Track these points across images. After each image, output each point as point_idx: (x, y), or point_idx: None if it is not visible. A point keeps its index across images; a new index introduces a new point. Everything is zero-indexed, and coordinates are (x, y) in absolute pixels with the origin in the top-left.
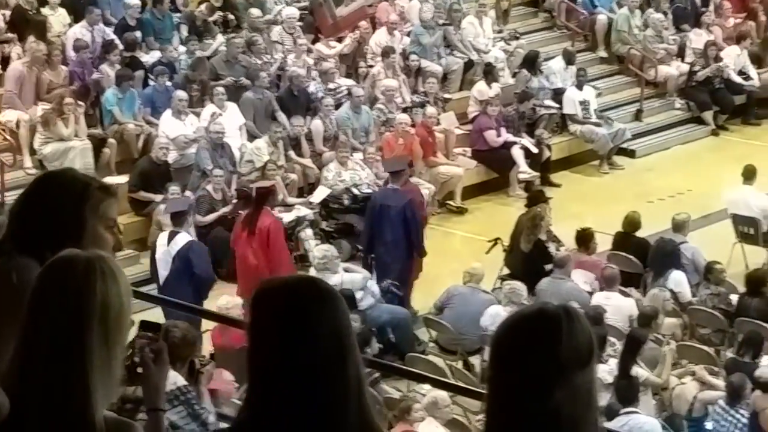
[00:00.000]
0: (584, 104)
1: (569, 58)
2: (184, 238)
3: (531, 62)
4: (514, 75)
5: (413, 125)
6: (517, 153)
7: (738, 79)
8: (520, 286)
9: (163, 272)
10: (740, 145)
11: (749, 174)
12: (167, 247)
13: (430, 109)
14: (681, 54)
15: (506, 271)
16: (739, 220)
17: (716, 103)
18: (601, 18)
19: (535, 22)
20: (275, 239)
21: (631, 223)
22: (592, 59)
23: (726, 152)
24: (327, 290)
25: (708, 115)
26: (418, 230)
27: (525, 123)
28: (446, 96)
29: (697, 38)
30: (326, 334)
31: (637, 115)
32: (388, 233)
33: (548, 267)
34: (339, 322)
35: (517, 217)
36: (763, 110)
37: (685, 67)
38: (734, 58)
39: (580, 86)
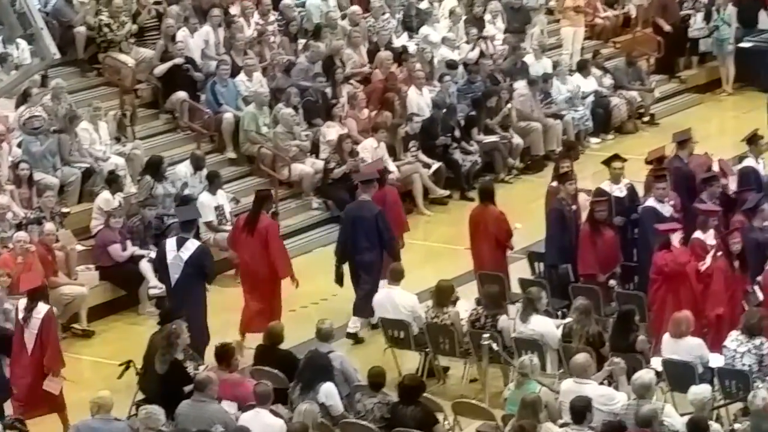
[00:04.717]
0: (219, 209)
1: (197, 163)
2: (194, 243)
3: (155, 167)
4: (138, 182)
5: (32, 242)
6: (145, 267)
7: None
8: (157, 411)
9: (175, 275)
10: None
11: (396, 274)
12: (177, 252)
13: (49, 226)
14: (315, 150)
15: (141, 395)
16: (387, 324)
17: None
18: (227, 117)
19: (157, 124)
20: (273, 238)
21: (272, 335)
22: (221, 161)
23: None
24: None
25: None
26: (390, 235)
27: (153, 234)
28: (64, 210)
29: (330, 132)
30: None
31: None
32: (364, 240)
33: (188, 388)
34: None
35: (149, 337)
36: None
37: (320, 164)
38: (372, 151)
39: (213, 191)
